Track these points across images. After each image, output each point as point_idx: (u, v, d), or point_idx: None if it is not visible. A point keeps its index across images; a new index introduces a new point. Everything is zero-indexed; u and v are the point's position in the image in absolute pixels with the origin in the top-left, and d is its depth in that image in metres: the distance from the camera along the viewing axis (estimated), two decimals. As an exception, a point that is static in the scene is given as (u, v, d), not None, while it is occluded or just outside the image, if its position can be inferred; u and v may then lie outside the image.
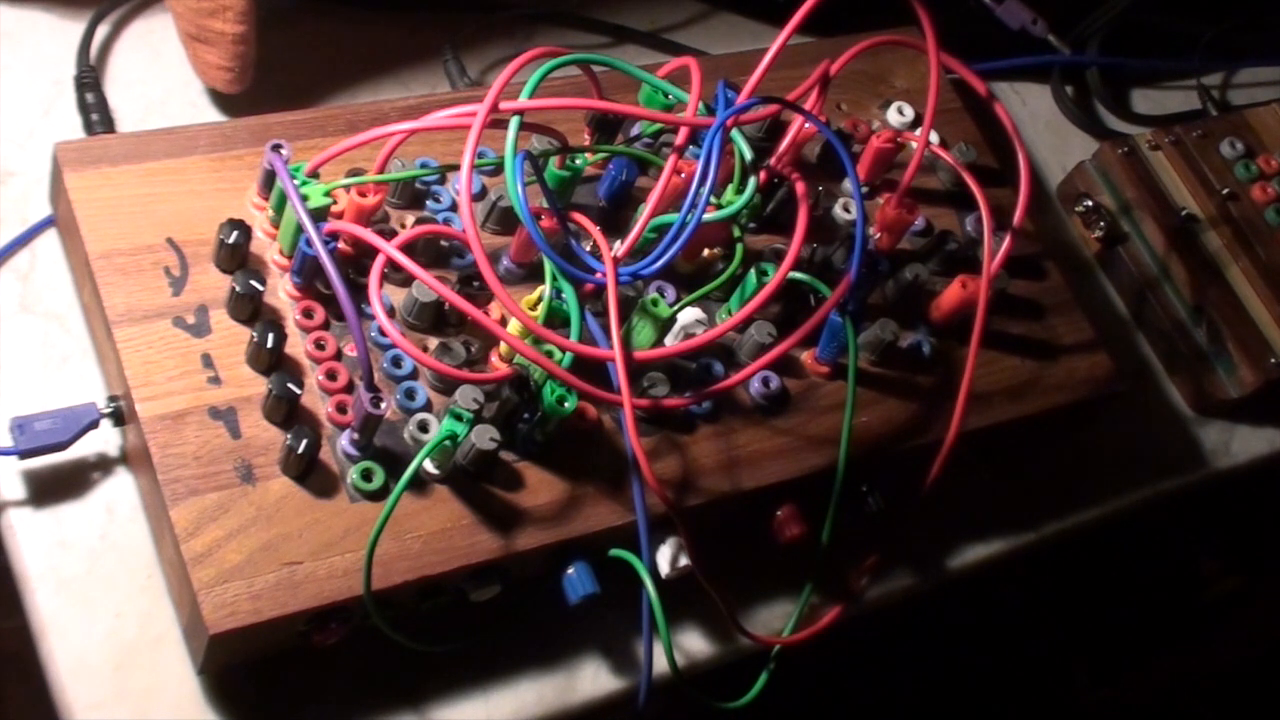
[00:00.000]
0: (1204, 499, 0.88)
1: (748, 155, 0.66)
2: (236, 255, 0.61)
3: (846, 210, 0.73)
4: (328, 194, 0.60)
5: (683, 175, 0.64)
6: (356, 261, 0.62)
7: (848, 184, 0.74)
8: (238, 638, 0.55)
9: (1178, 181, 0.86)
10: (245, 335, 0.60)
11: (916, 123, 0.78)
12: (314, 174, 0.61)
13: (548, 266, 0.61)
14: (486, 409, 0.59)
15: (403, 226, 0.64)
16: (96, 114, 0.69)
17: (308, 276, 0.61)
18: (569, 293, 0.61)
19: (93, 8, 0.72)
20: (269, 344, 0.58)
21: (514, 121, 0.59)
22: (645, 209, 0.64)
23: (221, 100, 0.72)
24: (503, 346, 0.62)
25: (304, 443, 0.56)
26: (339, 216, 0.62)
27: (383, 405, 0.57)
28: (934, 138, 0.77)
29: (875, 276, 0.70)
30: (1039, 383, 0.73)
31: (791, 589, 0.68)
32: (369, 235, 0.59)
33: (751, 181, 0.66)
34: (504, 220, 0.66)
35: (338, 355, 0.61)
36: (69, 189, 0.61)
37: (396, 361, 0.61)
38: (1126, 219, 0.86)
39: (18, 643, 0.61)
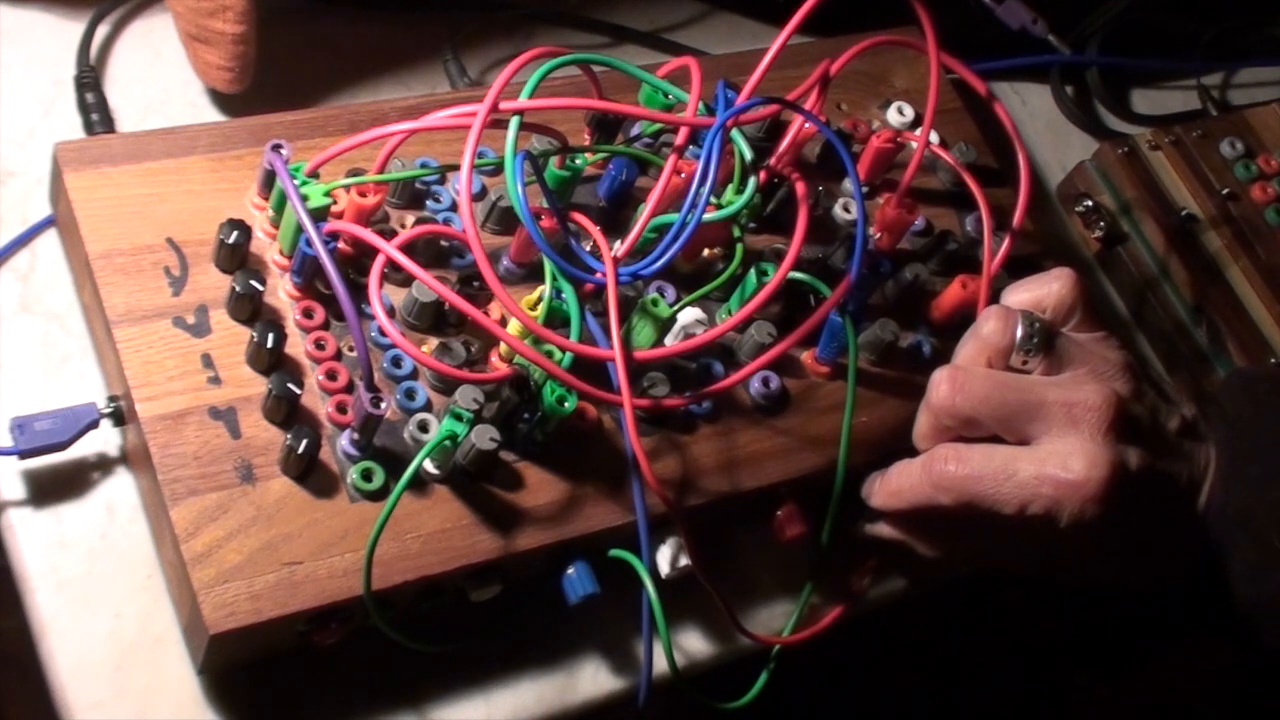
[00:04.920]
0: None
1: (748, 155, 0.66)
2: (236, 255, 0.61)
3: (846, 210, 0.74)
4: (328, 194, 0.60)
5: (683, 175, 0.64)
6: (356, 261, 0.62)
7: (848, 184, 0.74)
8: (238, 638, 0.55)
9: (1178, 181, 0.86)
10: (245, 335, 0.60)
11: (916, 123, 0.78)
12: (314, 174, 0.61)
13: (548, 266, 0.61)
14: (486, 409, 0.59)
15: (403, 226, 0.64)
16: (96, 114, 0.69)
17: (308, 276, 0.61)
18: (569, 293, 0.61)
19: (93, 8, 0.72)
20: (269, 344, 0.58)
21: (514, 121, 0.59)
22: (645, 209, 0.64)
23: (221, 100, 0.72)
24: (503, 346, 0.62)
25: (304, 443, 0.56)
26: (339, 216, 0.62)
27: (383, 405, 0.57)
28: (934, 138, 0.77)
29: (876, 276, 0.70)
30: (1039, 383, 0.73)
31: (791, 589, 0.68)
32: (369, 235, 0.59)
33: (751, 181, 0.66)
34: (504, 220, 0.66)
35: (338, 355, 0.61)
36: (69, 189, 0.61)
37: (396, 361, 0.61)
38: (1126, 219, 0.86)
39: (18, 643, 0.61)
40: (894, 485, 0.63)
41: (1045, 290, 0.65)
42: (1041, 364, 0.62)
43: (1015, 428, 0.60)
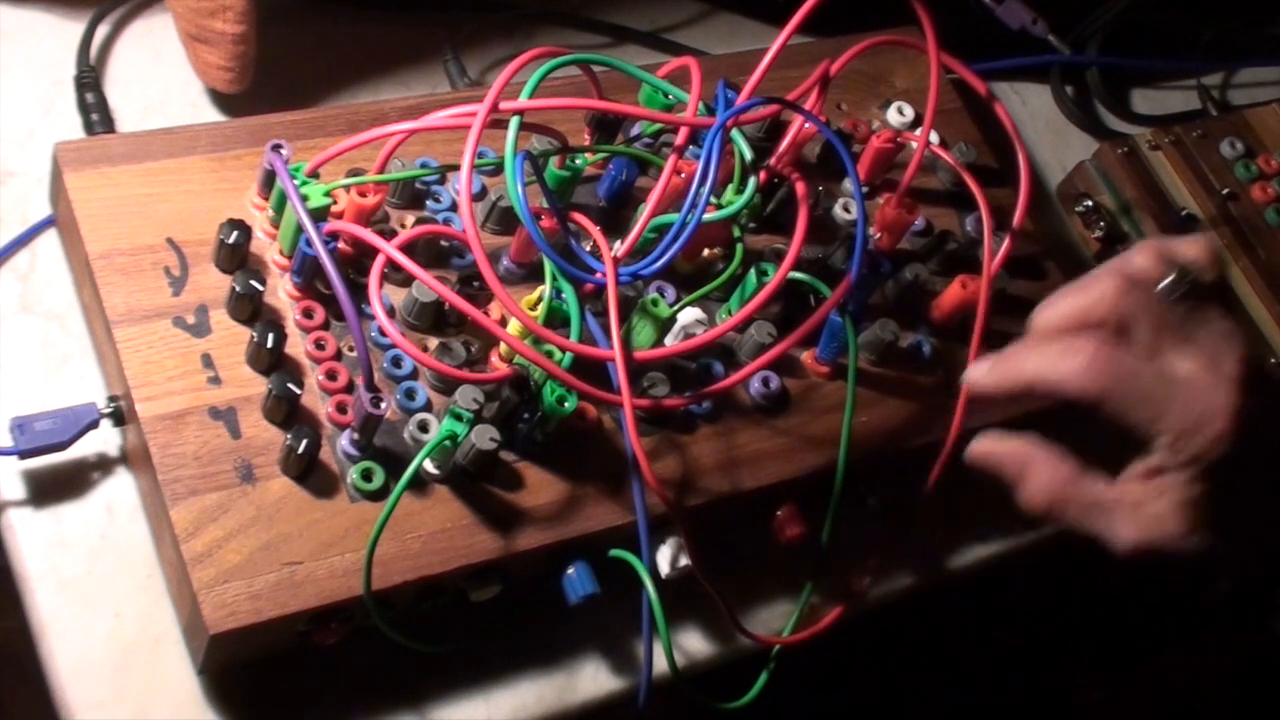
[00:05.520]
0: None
1: (748, 155, 0.66)
2: (236, 255, 0.61)
3: (846, 210, 0.74)
4: (328, 194, 0.60)
5: (683, 175, 0.65)
6: (356, 261, 0.62)
7: (848, 184, 0.74)
8: (238, 638, 0.55)
9: (1178, 181, 0.86)
10: (245, 335, 0.60)
11: (916, 123, 0.78)
12: (314, 174, 0.61)
13: (548, 266, 0.61)
14: (486, 409, 0.59)
15: (403, 226, 0.64)
16: (96, 114, 0.69)
17: (308, 276, 0.61)
18: (569, 293, 0.61)
19: (93, 8, 0.72)
20: (269, 344, 0.58)
21: (514, 121, 0.59)
22: (645, 209, 0.64)
23: (221, 100, 0.72)
24: (503, 346, 0.62)
25: (304, 443, 0.56)
26: (339, 216, 0.62)
27: (383, 405, 0.57)
28: (934, 138, 0.77)
29: (876, 276, 0.70)
30: (1039, 383, 0.73)
31: (791, 589, 0.68)
32: (369, 235, 0.59)
33: (751, 181, 0.66)
34: (504, 220, 0.66)
35: (338, 355, 0.61)
36: (69, 189, 0.61)
37: (396, 361, 0.61)
38: (1126, 219, 0.86)
39: (18, 643, 0.61)
40: (1022, 363, 0.60)
41: (1184, 249, 0.64)
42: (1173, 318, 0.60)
43: (1167, 341, 0.59)
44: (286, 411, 0.58)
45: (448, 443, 0.57)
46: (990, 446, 0.63)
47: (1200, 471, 0.58)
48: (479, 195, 0.67)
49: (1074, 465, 0.62)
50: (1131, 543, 0.61)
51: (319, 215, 0.60)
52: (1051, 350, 0.60)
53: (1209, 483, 0.59)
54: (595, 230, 0.64)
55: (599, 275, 0.61)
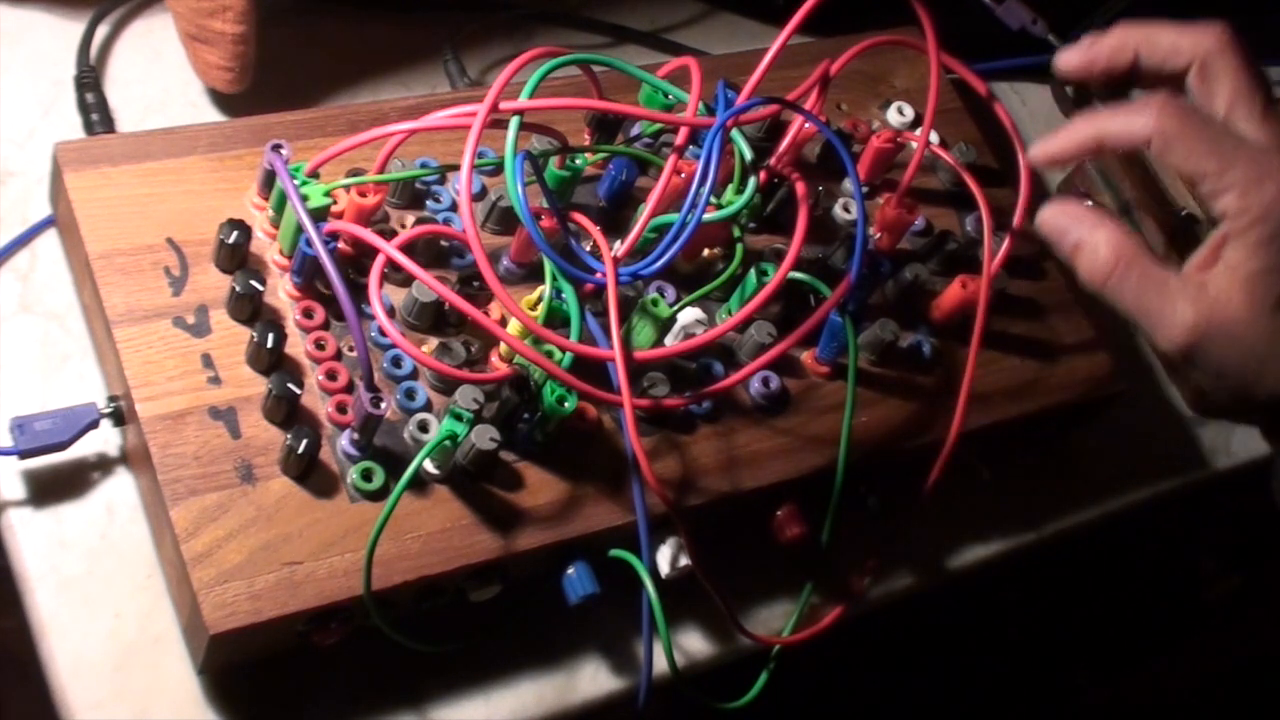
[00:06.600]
0: (1204, 499, 0.88)
1: (748, 155, 0.66)
2: (236, 255, 0.61)
3: (846, 210, 0.73)
4: (328, 194, 0.60)
5: (683, 175, 0.65)
6: (356, 261, 0.62)
7: (848, 184, 0.74)
8: (238, 638, 0.55)
9: (1177, 181, 0.86)
10: (245, 335, 0.60)
11: (916, 123, 0.78)
12: (314, 174, 0.61)
13: (548, 266, 0.61)
14: (486, 409, 0.59)
15: (403, 226, 0.64)
16: (96, 114, 0.69)
17: (308, 276, 0.61)
18: (569, 293, 0.61)
19: (93, 8, 0.72)
20: (269, 344, 0.58)
21: (514, 121, 0.59)
22: (645, 209, 0.64)
23: (221, 100, 0.72)
24: (503, 346, 0.62)
25: (304, 443, 0.56)
26: (339, 216, 0.62)
27: (383, 405, 0.57)
28: (934, 138, 0.77)
29: (876, 276, 0.70)
30: (1039, 383, 0.73)
31: (791, 589, 0.68)
32: (369, 235, 0.59)
33: (751, 181, 0.66)
34: (504, 220, 0.66)
35: (338, 355, 0.61)
36: (69, 189, 0.61)
37: (396, 361, 0.61)
38: (1126, 219, 0.86)
39: (18, 643, 0.61)
40: (1089, 122, 0.63)
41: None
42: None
43: (1240, 108, 0.63)
44: (286, 411, 0.58)
45: (448, 443, 0.57)
46: (1057, 209, 0.63)
47: (1267, 236, 0.57)
48: (479, 195, 0.67)
49: (1141, 240, 0.62)
50: (1189, 325, 0.58)
51: (319, 215, 0.60)
52: (1120, 108, 0.60)
53: (1276, 255, 0.57)
54: (595, 230, 0.64)
55: (599, 275, 0.61)
